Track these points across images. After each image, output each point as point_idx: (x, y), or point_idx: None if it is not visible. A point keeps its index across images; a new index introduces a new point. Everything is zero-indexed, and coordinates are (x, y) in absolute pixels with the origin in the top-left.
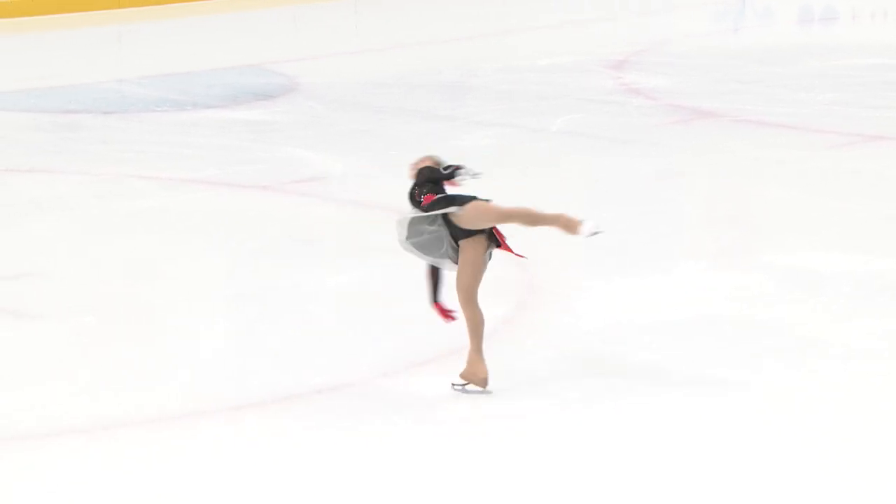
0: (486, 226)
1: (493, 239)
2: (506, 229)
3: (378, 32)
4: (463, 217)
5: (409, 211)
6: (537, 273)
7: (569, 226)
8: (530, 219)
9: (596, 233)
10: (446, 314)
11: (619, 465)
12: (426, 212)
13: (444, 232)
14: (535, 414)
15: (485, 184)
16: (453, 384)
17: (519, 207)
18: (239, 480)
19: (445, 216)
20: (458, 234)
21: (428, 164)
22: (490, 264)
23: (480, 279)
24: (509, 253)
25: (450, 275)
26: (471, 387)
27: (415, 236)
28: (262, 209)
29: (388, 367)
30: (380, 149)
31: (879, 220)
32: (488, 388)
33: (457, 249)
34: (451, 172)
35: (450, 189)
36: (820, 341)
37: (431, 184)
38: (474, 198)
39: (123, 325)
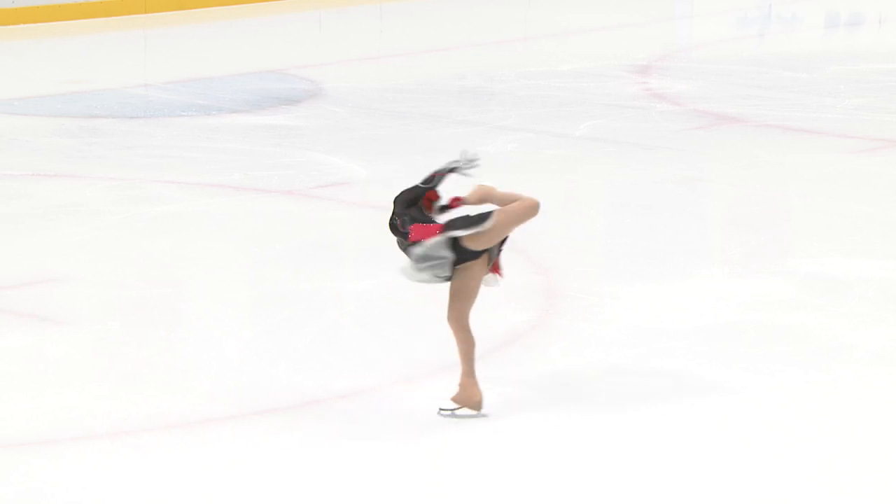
0: (508, 231)
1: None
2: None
3: (402, 38)
4: (490, 230)
5: (430, 244)
6: (560, 279)
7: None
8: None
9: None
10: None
11: (644, 470)
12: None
13: (451, 257)
14: (560, 420)
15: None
16: (441, 409)
17: (507, 193)
18: (261, 485)
19: (455, 240)
20: (459, 258)
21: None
22: (512, 272)
23: (472, 304)
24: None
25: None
26: (462, 411)
27: (426, 269)
28: (285, 214)
29: (408, 373)
30: (403, 154)
31: None
32: (483, 410)
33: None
34: (430, 179)
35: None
36: (844, 347)
37: (413, 208)
38: (490, 212)
39: (145, 330)
